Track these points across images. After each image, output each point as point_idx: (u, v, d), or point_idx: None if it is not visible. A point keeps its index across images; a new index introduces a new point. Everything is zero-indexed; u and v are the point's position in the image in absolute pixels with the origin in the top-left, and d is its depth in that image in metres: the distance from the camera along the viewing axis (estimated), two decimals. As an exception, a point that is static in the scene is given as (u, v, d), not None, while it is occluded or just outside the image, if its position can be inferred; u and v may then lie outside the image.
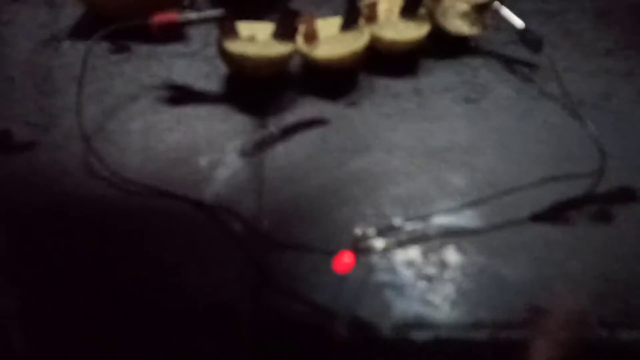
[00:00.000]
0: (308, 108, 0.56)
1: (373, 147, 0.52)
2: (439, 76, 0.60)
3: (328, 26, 0.59)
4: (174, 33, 0.56)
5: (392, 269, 0.44)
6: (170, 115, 0.54)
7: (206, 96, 0.56)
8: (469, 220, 0.47)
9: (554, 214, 0.48)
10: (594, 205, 0.48)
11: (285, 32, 0.56)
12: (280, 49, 0.56)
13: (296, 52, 0.57)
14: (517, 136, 0.54)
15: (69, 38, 0.61)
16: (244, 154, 0.51)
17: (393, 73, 0.60)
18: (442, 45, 0.63)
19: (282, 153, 0.51)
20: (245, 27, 0.57)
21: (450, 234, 0.46)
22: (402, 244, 0.45)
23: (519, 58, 0.63)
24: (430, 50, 0.63)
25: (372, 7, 0.60)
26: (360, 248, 0.42)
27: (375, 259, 0.44)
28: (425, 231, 0.46)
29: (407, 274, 0.43)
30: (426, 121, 0.55)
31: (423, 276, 0.43)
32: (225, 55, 0.55)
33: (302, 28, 0.57)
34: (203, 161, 0.50)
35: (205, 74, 0.58)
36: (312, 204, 0.48)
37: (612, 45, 0.66)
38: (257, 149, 0.51)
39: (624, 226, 0.47)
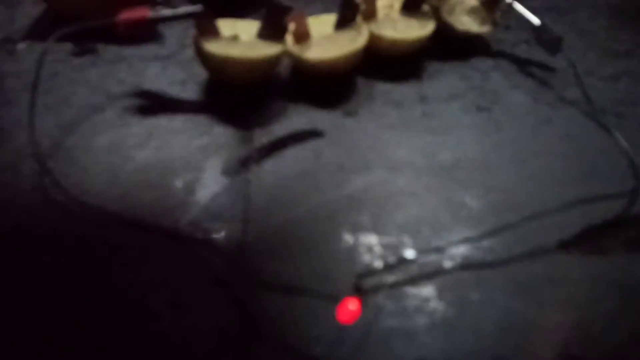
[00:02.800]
0: (299, 118, 0.49)
1: (374, 164, 0.46)
2: (445, 81, 0.54)
3: (321, 24, 0.53)
4: (145, 33, 0.49)
5: (401, 311, 0.37)
6: (141, 128, 0.47)
7: (182, 106, 0.49)
8: (487, 250, 0.41)
9: (586, 241, 0.41)
10: (630, 230, 0.42)
11: (272, 31, 0.49)
12: (267, 50, 0.49)
13: (285, 53, 0.50)
14: (535, 150, 0.48)
15: (25, 39, 0.53)
16: (226, 173, 0.44)
17: (394, 77, 0.54)
18: (447, 46, 0.57)
19: (270, 172, 0.44)
20: (227, 26, 0.50)
21: (467, 267, 0.40)
22: (412, 281, 0.39)
23: (533, 60, 0.57)
24: (435, 51, 0.56)
25: (371, 3, 0.53)
26: (364, 288, 0.36)
27: (381, 299, 0.38)
28: (438, 264, 0.40)
29: (419, 317, 0.37)
30: (433, 133, 0.49)
31: (438, 319, 0.37)
32: (205, 58, 0.48)
33: (291, 26, 0.50)
34: (178, 183, 0.43)
35: (181, 80, 0.51)
36: (305, 232, 0.41)
37: (630, 46, 0.60)
38: (241, 167, 0.45)
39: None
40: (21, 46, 0.53)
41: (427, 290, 0.38)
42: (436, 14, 0.56)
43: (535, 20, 0.56)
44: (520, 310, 0.38)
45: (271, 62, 0.49)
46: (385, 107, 0.51)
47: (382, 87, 0.53)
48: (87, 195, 0.42)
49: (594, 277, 0.40)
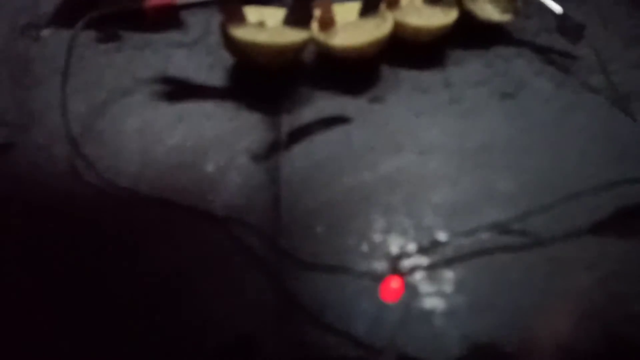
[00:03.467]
0: (326, 103, 0.49)
1: (405, 147, 0.46)
2: (469, 68, 0.54)
3: (345, 12, 0.53)
4: (171, 18, 0.49)
5: (440, 292, 0.37)
6: (170, 112, 0.47)
7: (210, 90, 0.49)
8: (521, 232, 0.41)
9: (619, 223, 0.42)
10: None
11: (298, 18, 0.49)
12: (294, 36, 0.49)
13: (311, 40, 0.50)
14: (564, 133, 0.48)
15: (51, 25, 0.53)
16: (257, 156, 0.44)
17: (418, 64, 0.54)
18: (470, 34, 0.57)
19: (301, 154, 0.45)
20: (253, 13, 0.50)
21: (503, 250, 0.40)
22: (448, 262, 0.39)
23: (555, 48, 0.57)
24: (458, 38, 0.57)
25: (395, -10, 0.53)
26: (403, 268, 0.36)
27: (418, 280, 0.38)
28: (473, 246, 0.40)
29: (458, 297, 0.37)
30: (461, 118, 0.49)
31: (477, 298, 0.37)
32: (231, 44, 0.48)
33: (317, 13, 0.50)
34: (210, 165, 0.43)
35: (208, 65, 0.51)
36: (339, 213, 0.41)
37: (652, 34, 0.60)
38: (272, 150, 0.45)
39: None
40: (45, 32, 0.52)
41: (464, 271, 0.38)
42: (459, 2, 0.56)
43: (557, 8, 0.56)
44: (558, 290, 0.38)
45: (297, 48, 0.49)
46: (412, 93, 0.51)
47: (408, 74, 0.53)
48: (120, 178, 0.41)
49: (628, 259, 0.40)
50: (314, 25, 0.51)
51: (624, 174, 0.43)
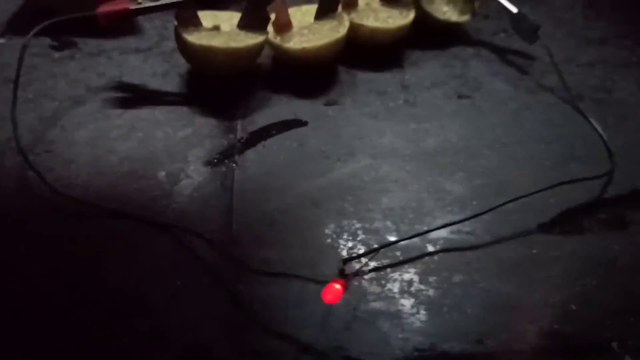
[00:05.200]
0: (282, 107, 0.49)
1: (358, 151, 0.46)
2: (427, 69, 0.54)
3: (302, 15, 0.53)
4: (124, 26, 0.48)
5: (386, 295, 0.37)
6: (123, 120, 0.46)
7: (164, 97, 0.49)
8: (470, 233, 0.41)
9: (565, 222, 0.42)
10: (605, 210, 0.43)
11: (253, 21, 0.49)
12: (248, 40, 0.49)
13: (266, 43, 0.50)
14: (515, 135, 0.49)
15: (5, 34, 0.53)
16: (210, 163, 0.44)
17: (376, 66, 0.54)
18: (428, 35, 0.57)
19: (254, 161, 0.45)
20: (208, 17, 0.50)
21: (450, 250, 0.40)
22: (396, 264, 0.39)
23: (512, 48, 0.57)
24: (416, 40, 0.57)
25: (350, -8, 0.53)
26: (349, 272, 0.36)
27: (366, 283, 0.38)
28: (422, 248, 0.40)
29: (404, 299, 0.37)
30: (416, 121, 0.49)
31: (422, 301, 0.37)
32: (186, 49, 0.48)
33: (272, 16, 0.50)
34: (162, 174, 0.43)
35: (163, 72, 0.51)
36: (291, 219, 0.41)
37: (605, 34, 0.60)
38: (225, 157, 0.45)
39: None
40: (0, 40, 0.52)
41: (410, 273, 0.39)
42: (416, 3, 0.56)
43: (512, 8, 0.56)
44: (502, 290, 0.38)
45: (252, 52, 0.49)
46: (368, 96, 0.51)
47: (365, 76, 0.53)
48: (72, 188, 0.41)
49: (572, 256, 0.40)
50: (270, 29, 0.51)
51: (571, 174, 0.44)
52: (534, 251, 0.40)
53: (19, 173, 0.42)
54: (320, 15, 0.52)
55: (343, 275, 0.35)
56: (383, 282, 0.38)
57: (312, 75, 0.52)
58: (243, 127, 0.47)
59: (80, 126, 0.45)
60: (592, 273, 0.39)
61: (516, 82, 0.54)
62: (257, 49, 0.49)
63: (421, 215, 0.42)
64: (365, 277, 0.37)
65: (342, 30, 0.51)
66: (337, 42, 0.51)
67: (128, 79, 0.50)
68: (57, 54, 0.51)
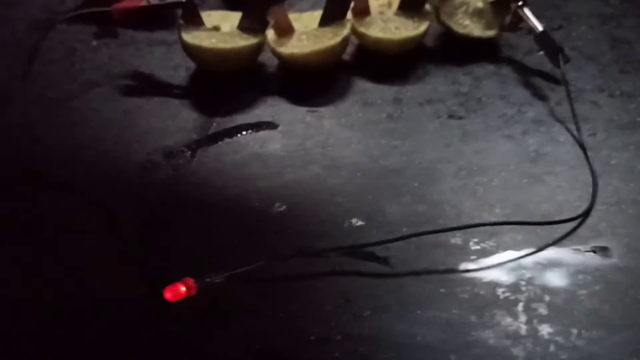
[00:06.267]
0: (265, 109, 0.50)
1: (314, 160, 0.46)
2: (432, 84, 0.52)
3: (311, 20, 0.53)
4: (138, 20, 0.53)
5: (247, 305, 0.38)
6: (122, 105, 0.51)
7: (164, 89, 0.53)
8: (384, 260, 0.39)
9: (490, 267, 0.39)
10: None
11: (252, 24, 0.51)
12: (240, 42, 0.51)
13: (260, 46, 0.52)
14: (489, 166, 0.45)
15: (65, 21, 0.60)
16: (169, 154, 0.47)
17: (378, 76, 0.53)
18: (453, 47, 0.55)
19: (213, 156, 0.47)
20: (217, 17, 0.53)
21: (348, 274, 0.39)
22: (266, 279, 0.39)
23: (539, 70, 0.52)
24: (436, 51, 0.54)
25: (362, 0, 0.53)
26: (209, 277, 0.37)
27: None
28: (324, 266, 0.39)
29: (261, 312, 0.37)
30: (388, 136, 0.47)
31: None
32: (183, 46, 0.52)
33: (271, 20, 0.52)
34: (128, 158, 0.47)
35: (174, 66, 0.55)
36: (216, 216, 0.43)
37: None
38: (189, 150, 0.47)
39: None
40: (60, 27, 0.60)
41: (277, 290, 0.39)
42: (437, 15, 0.54)
43: (538, 26, 0.51)
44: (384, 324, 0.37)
45: (242, 54, 0.51)
46: (353, 106, 0.50)
47: (362, 86, 0.52)
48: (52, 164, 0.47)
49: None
50: (270, 32, 0.52)
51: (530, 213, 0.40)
52: (442, 290, 0.38)
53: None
54: (325, 22, 0.52)
55: (199, 279, 0.36)
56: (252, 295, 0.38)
57: (308, 80, 0.52)
58: (219, 124, 0.50)
59: (78, 105, 0.51)
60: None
61: (524, 107, 0.49)
62: (248, 51, 0.51)
63: (341, 234, 0.41)
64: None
65: (337, 39, 0.51)
66: (328, 50, 0.51)
67: (144, 69, 0.55)
68: (95, 42, 0.58)
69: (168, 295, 0.34)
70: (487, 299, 0.37)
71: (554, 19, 0.57)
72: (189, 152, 0.47)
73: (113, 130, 0.49)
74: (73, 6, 0.62)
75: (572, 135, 0.47)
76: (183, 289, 0.34)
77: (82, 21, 0.60)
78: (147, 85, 0.53)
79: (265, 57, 0.53)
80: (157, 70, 0.55)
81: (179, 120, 0.50)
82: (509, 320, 0.36)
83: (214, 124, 0.50)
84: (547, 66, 0.52)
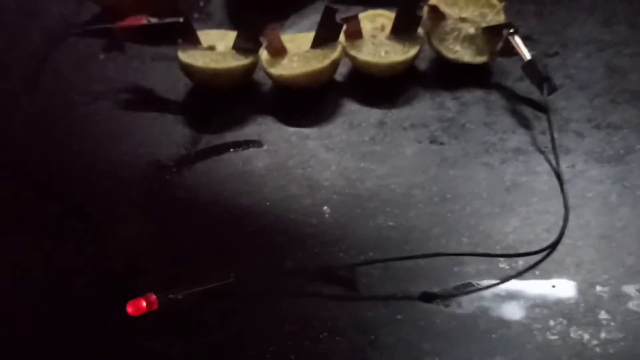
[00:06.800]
0: (251, 127, 0.52)
1: (293, 181, 0.47)
2: (418, 108, 0.53)
3: (305, 41, 0.55)
4: (140, 37, 0.56)
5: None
6: (120, 117, 0.54)
7: (163, 103, 0.55)
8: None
9: (451, 296, 0.39)
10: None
11: (246, 45, 0.53)
12: (233, 62, 0.53)
13: (251, 66, 0.54)
14: (465, 193, 0.45)
15: (79, 34, 0.63)
16: (160, 168, 0.49)
17: (368, 98, 0.54)
18: (443, 72, 0.55)
19: (196, 172, 0.49)
20: (215, 36, 0.55)
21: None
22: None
23: (528, 97, 0.52)
24: (427, 75, 0.55)
25: (354, 23, 0.54)
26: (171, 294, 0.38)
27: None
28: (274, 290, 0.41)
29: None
30: (368, 160, 0.49)
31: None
32: (180, 65, 0.54)
33: (264, 41, 0.53)
34: (113, 167, 0.50)
35: (174, 81, 0.57)
36: (192, 233, 0.45)
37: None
38: (174, 164, 0.50)
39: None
40: (72, 39, 0.63)
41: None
42: (429, 39, 0.54)
43: (526, 54, 0.51)
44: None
45: (234, 73, 0.53)
46: (337, 128, 0.51)
47: (350, 108, 0.53)
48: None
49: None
50: (264, 52, 0.54)
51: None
52: (398, 317, 0.39)
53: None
54: (317, 44, 0.54)
55: (161, 295, 0.38)
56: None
57: (299, 100, 0.54)
58: (208, 141, 0.51)
59: (78, 116, 0.54)
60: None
61: (506, 135, 0.50)
62: (241, 71, 0.53)
63: (312, 255, 0.42)
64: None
65: (326, 62, 0.52)
66: (316, 72, 0.52)
67: (145, 83, 0.57)
68: (102, 55, 0.61)
69: (130, 309, 0.36)
70: (443, 328, 0.38)
71: (552, 45, 0.57)
72: (176, 167, 0.49)
73: (106, 142, 0.52)
74: (89, 17, 0.65)
75: (551, 166, 0.47)
76: (144, 304, 0.36)
77: (94, 35, 0.63)
78: (145, 99, 0.56)
79: (261, 76, 0.55)
80: (157, 84, 0.57)
81: (170, 135, 0.52)
82: (461, 352, 0.37)
83: (204, 140, 0.52)
84: (536, 94, 0.52)
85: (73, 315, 0.40)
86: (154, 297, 0.37)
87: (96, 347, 0.39)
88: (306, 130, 0.52)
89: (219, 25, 0.61)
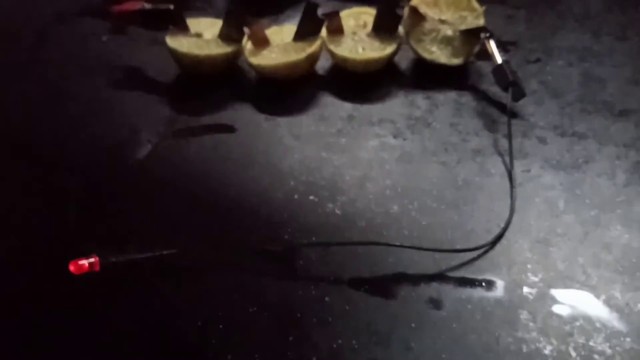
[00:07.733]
0: (228, 113, 0.54)
1: (256, 165, 0.50)
2: (388, 105, 0.54)
3: (291, 34, 0.57)
4: (136, 21, 0.59)
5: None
6: (111, 95, 0.57)
7: (150, 84, 0.58)
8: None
9: (379, 284, 0.41)
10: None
11: (230, 34, 0.56)
12: (215, 50, 0.55)
13: (234, 54, 0.56)
14: (415, 188, 0.47)
15: (77, 13, 0.67)
16: (137, 144, 0.52)
17: (344, 93, 0.55)
18: (422, 71, 0.56)
19: (167, 153, 0.51)
20: (204, 23, 0.58)
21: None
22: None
23: (501, 102, 0.53)
24: (405, 73, 0.57)
25: (335, 19, 0.55)
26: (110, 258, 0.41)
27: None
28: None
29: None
30: (330, 151, 0.50)
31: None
32: (167, 49, 0.57)
33: (248, 32, 0.56)
34: (94, 141, 0.53)
35: (165, 64, 0.59)
36: (152, 208, 0.48)
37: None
38: (154, 141, 0.53)
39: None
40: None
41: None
42: (407, 39, 0.56)
43: (498, 59, 0.52)
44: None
45: (216, 60, 0.56)
46: (308, 119, 0.53)
47: (325, 100, 0.55)
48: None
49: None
50: (248, 42, 0.56)
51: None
52: (326, 299, 0.40)
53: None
54: (298, 37, 0.56)
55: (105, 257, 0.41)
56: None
57: (278, 90, 0.56)
58: (185, 122, 0.54)
59: (70, 89, 0.57)
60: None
61: (469, 136, 0.51)
62: (223, 59, 0.56)
63: (259, 236, 0.45)
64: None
65: (302, 55, 0.54)
66: (291, 64, 0.54)
67: (137, 64, 0.60)
68: (105, 37, 0.64)
69: (72, 267, 0.39)
70: (363, 314, 0.40)
71: (535, 51, 0.58)
72: (150, 143, 0.52)
73: (92, 116, 0.55)
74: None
75: (506, 169, 0.48)
76: (87, 264, 0.39)
77: (101, 16, 0.67)
78: (135, 79, 0.59)
79: (248, 65, 0.58)
80: (149, 66, 0.60)
81: (152, 114, 0.55)
82: (375, 337, 0.39)
83: (181, 121, 0.54)
84: (507, 98, 0.53)
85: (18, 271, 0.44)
86: (96, 258, 0.40)
87: (37, 302, 0.42)
88: (278, 119, 0.54)
89: (218, 15, 0.63)
